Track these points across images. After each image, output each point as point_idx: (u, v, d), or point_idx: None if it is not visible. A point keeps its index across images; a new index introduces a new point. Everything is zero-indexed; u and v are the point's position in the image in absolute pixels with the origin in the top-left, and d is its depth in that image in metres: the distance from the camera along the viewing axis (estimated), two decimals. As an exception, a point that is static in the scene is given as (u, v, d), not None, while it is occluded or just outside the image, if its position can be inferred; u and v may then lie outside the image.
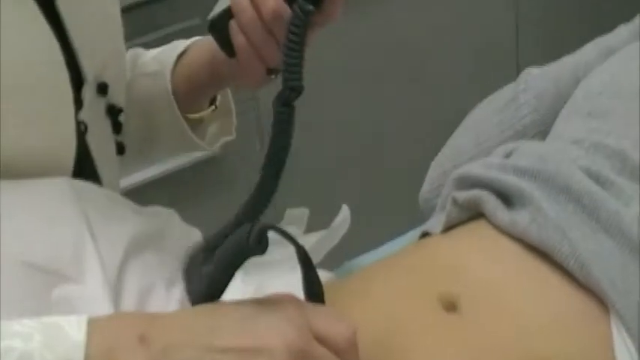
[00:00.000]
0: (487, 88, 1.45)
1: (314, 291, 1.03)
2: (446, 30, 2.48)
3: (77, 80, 1.20)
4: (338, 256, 1.37)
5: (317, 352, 0.93)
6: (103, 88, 1.25)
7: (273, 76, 1.27)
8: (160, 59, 1.43)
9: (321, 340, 0.94)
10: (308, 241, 1.27)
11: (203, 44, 1.38)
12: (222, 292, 1.07)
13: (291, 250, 1.11)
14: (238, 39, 1.22)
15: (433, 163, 1.43)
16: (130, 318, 1.01)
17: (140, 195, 1.27)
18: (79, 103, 1.20)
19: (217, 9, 1.26)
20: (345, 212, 1.33)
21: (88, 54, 1.21)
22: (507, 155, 1.23)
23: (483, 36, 2.50)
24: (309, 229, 1.33)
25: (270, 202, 1.09)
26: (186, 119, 1.42)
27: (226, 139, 1.49)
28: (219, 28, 1.25)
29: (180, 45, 1.43)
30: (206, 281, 1.06)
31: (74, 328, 0.92)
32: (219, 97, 1.45)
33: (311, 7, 1.08)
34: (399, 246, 1.44)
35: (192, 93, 1.41)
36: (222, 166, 2.32)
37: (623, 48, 1.32)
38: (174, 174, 2.23)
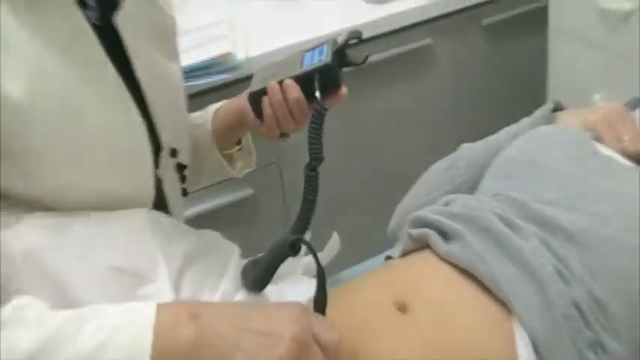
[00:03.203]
0: (437, 155, 1.47)
1: (321, 302, 1.05)
2: (407, 115, 2.50)
3: (157, 147, 1.21)
4: (335, 267, 1.37)
5: (312, 346, 0.95)
6: (174, 152, 1.26)
7: (285, 138, 1.31)
8: (203, 115, 1.45)
9: (316, 339, 0.95)
10: (305, 260, 1.28)
11: (236, 100, 1.40)
12: (268, 281, 1.13)
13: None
14: (267, 110, 1.24)
15: (397, 208, 1.44)
16: (186, 302, 1.03)
17: (193, 224, 1.28)
18: (157, 164, 1.21)
19: (255, 86, 1.28)
20: (335, 239, 1.33)
21: (164, 128, 1.22)
22: (446, 204, 1.24)
23: (431, 118, 2.53)
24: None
25: (306, 230, 1.16)
26: (222, 155, 1.44)
27: (249, 169, 1.51)
28: (256, 99, 1.27)
29: (217, 104, 1.46)
30: (257, 272, 1.11)
31: (149, 309, 0.93)
32: (243, 141, 1.46)
33: (326, 110, 1.16)
34: (375, 262, 1.45)
35: (226, 132, 1.42)
36: (254, 205, 2.32)
37: (524, 133, 1.34)
38: (220, 208, 2.23)
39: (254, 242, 1.19)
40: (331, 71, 1.20)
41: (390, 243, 1.39)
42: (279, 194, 2.36)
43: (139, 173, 1.16)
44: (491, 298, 1.05)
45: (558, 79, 2.43)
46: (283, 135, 1.29)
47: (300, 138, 1.26)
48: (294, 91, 1.20)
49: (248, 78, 1.34)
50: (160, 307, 0.94)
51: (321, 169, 1.18)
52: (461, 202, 1.21)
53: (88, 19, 1.09)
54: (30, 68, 1.02)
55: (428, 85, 2.51)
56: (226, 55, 2.08)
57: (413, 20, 2.36)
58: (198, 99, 1.92)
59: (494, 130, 1.45)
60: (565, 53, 2.38)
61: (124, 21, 1.14)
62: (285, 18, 2.41)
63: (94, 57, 1.09)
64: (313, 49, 1.26)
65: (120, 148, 1.12)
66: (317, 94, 1.18)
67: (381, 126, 2.46)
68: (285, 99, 1.21)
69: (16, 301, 0.94)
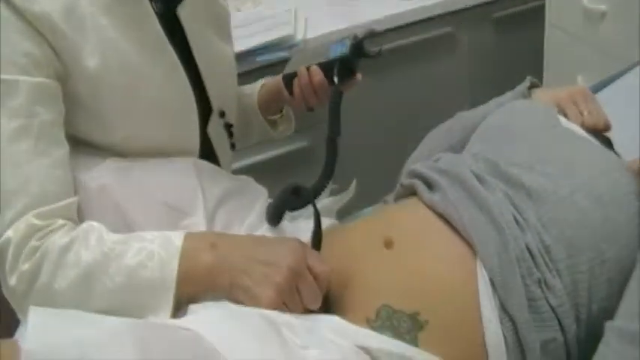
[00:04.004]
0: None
1: (317, 239, 1.01)
2: (431, 89, 2.41)
3: (208, 108, 1.18)
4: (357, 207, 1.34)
5: (305, 274, 0.91)
6: (222, 114, 1.22)
7: (311, 111, 1.25)
8: (251, 87, 1.40)
9: (310, 269, 0.91)
10: (325, 202, 1.24)
11: (276, 79, 1.35)
12: (280, 217, 1.11)
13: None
14: (297, 90, 1.20)
15: (406, 162, 1.36)
16: (208, 233, 1.00)
17: (251, 173, 1.26)
18: (207, 122, 1.18)
19: (288, 70, 1.24)
20: (352, 186, 1.29)
21: (215, 94, 1.18)
22: (436, 160, 1.17)
23: (450, 92, 2.43)
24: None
25: (326, 186, 1.12)
26: (267, 121, 1.39)
27: (289, 133, 1.46)
28: (288, 80, 1.23)
29: (262, 80, 1.41)
30: (272, 210, 1.10)
31: (177, 238, 0.90)
32: (284, 110, 1.40)
33: (342, 92, 1.14)
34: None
35: (267, 103, 1.37)
36: (308, 155, 2.23)
37: (506, 104, 1.25)
38: (278, 157, 2.17)
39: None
40: (348, 62, 1.15)
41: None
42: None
43: (186, 129, 1.13)
44: (461, 240, 0.98)
45: (551, 64, 2.35)
46: (309, 109, 1.25)
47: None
48: (318, 76, 1.16)
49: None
50: (187, 237, 0.92)
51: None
52: (445, 159, 1.14)
53: (154, 9, 1.07)
54: (103, 46, 1.01)
55: (448, 65, 2.42)
56: (288, 37, 2.04)
57: (437, 12, 2.27)
58: (265, 70, 1.89)
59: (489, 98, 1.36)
60: (557, 43, 2.30)
61: (185, 11, 1.12)
62: (335, 9, 2.33)
63: (155, 38, 1.07)
64: (337, 41, 1.21)
65: (171, 109, 1.09)
66: (335, 79, 1.14)
67: (409, 97, 2.38)
68: (311, 81, 1.17)
69: (85, 224, 0.95)
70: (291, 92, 1.23)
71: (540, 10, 2.32)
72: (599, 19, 2.07)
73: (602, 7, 2.04)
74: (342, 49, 1.17)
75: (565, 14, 2.22)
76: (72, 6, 0.97)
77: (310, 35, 2.09)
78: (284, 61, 2.00)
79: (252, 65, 1.97)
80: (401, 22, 2.20)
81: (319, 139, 2.20)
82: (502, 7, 2.37)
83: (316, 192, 1.10)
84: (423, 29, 2.26)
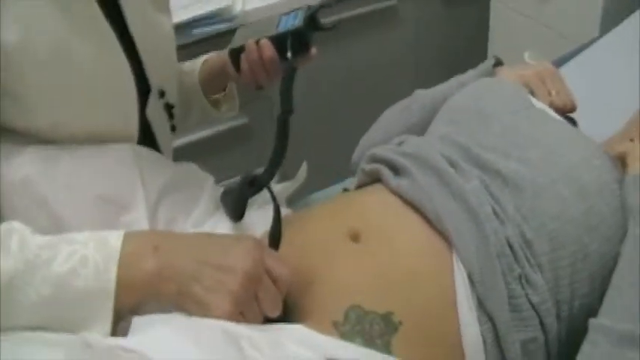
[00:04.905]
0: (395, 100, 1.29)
1: (275, 238, 0.89)
2: (373, 66, 2.30)
3: (145, 88, 1.04)
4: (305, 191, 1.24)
5: (264, 279, 0.78)
6: (162, 94, 1.08)
7: (261, 89, 1.14)
8: (192, 64, 1.27)
9: (268, 272, 0.79)
10: (277, 187, 1.13)
11: (221, 54, 1.22)
12: (242, 212, 1.00)
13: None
14: (245, 66, 1.09)
15: (359, 143, 1.27)
16: (151, 233, 0.87)
17: (190, 152, 1.13)
18: (145, 103, 1.05)
19: (235, 43, 1.12)
20: (303, 168, 1.18)
21: (153, 72, 1.05)
22: (399, 144, 1.07)
23: (394, 69, 2.34)
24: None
25: (277, 170, 1.00)
26: (208, 100, 1.27)
27: (233, 113, 1.33)
28: (235, 55, 1.11)
29: (204, 56, 1.28)
30: (231, 205, 1.00)
31: (115, 239, 0.77)
32: (228, 88, 1.28)
33: (295, 68, 1.02)
34: (336, 189, 1.29)
35: (209, 81, 1.25)
36: (248, 132, 2.11)
37: (469, 83, 1.16)
38: (216, 135, 2.01)
39: (249, 166, 1.06)
40: (302, 35, 1.05)
41: (353, 172, 1.22)
42: (271, 123, 2.18)
43: (123, 112, 1.00)
44: (435, 231, 0.89)
45: (497, 40, 2.30)
46: (258, 87, 1.13)
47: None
48: (269, 50, 1.06)
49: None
50: (127, 238, 0.78)
51: (300, 111, 1.04)
52: (411, 142, 1.04)
53: None
54: (24, 19, 0.86)
55: (392, 41, 2.31)
56: (226, 8, 1.90)
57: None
58: (201, 45, 1.76)
59: (444, 79, 1.25)
60: (503, 19, 2.25)
61: None
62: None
63: (85, 8, 0.92)
64: (289, 13, 1.10)
65: (105, 89, 0.95)
66: (289, 54, 1.05)
67: (349, 75, 2.27)
68: (261, 57, 1.06)
69: (4, 226, 0.78)
70: (238, 69, 1.12)
71: (486, -17, 2.27)
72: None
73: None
74: (294, 22, 1.07)
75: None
76: None
77: (249, 7, 1.96)
78: (222, 34, 1.90)
79: (189, 39, 1.84)
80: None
81: (259, 116, 2.11)
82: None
83: (268, 178, 0.99)
84: (365, 2, 2.15)
